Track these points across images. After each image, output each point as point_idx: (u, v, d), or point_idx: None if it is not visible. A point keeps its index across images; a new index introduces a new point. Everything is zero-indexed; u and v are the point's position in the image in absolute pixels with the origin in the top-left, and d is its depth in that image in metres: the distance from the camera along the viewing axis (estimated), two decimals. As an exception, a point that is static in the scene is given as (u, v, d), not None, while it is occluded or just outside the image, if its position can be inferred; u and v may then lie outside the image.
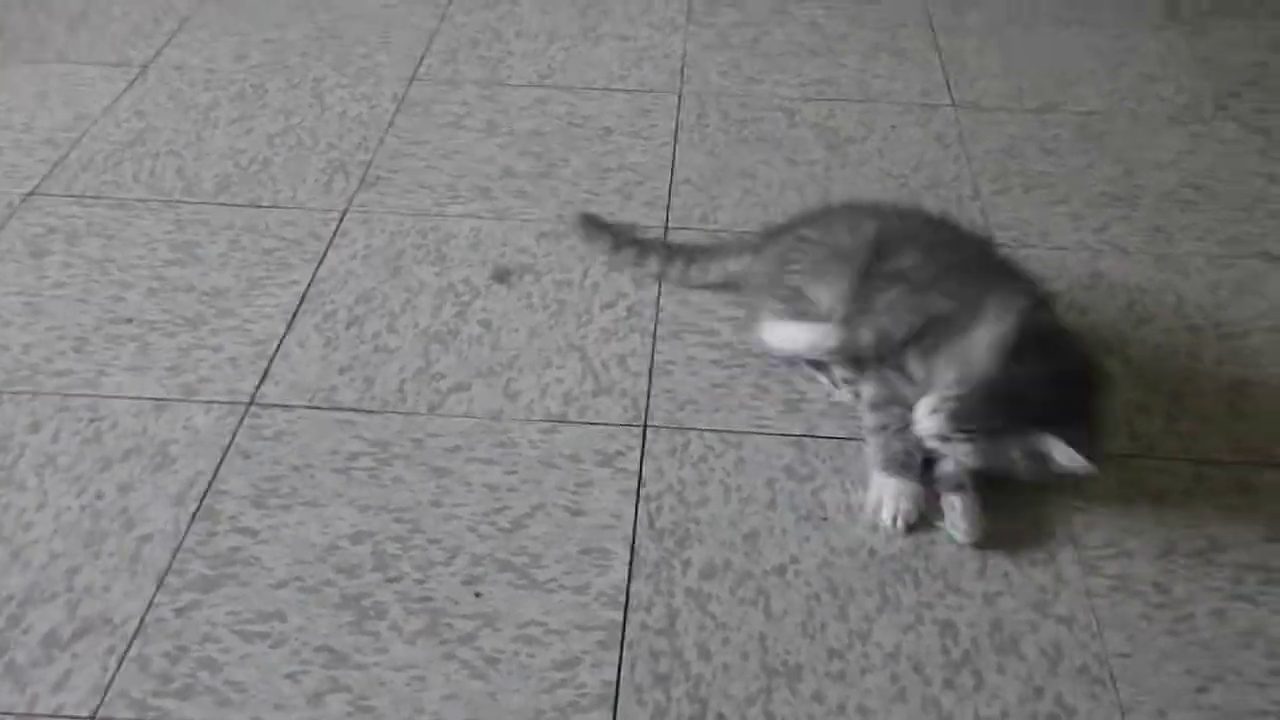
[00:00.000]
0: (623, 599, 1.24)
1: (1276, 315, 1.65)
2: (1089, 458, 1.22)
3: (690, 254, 1.66)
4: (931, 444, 1.30)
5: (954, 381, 1.27)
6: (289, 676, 1.15)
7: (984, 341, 1.28)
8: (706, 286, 1.65)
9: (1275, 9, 2.52)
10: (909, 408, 1.32)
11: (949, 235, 1.52)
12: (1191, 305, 1.67)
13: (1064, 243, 1.79)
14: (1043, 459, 1.24)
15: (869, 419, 1.39)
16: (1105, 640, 1.21)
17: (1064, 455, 1.23)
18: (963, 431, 1.26)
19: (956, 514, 1.32)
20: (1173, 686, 1.17)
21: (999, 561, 1.29)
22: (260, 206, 1.82)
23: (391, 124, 2.04)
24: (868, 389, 1.41)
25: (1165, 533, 1.33)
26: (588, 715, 1.13)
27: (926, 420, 1.27)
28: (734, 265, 1.62)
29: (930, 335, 1.35)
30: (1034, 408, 1.24)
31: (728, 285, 1.64)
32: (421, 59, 2.25)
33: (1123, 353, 1.58)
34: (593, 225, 1.73)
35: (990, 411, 1.25)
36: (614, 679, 1.16)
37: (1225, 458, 1.43)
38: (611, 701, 1.14)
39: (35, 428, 1.42)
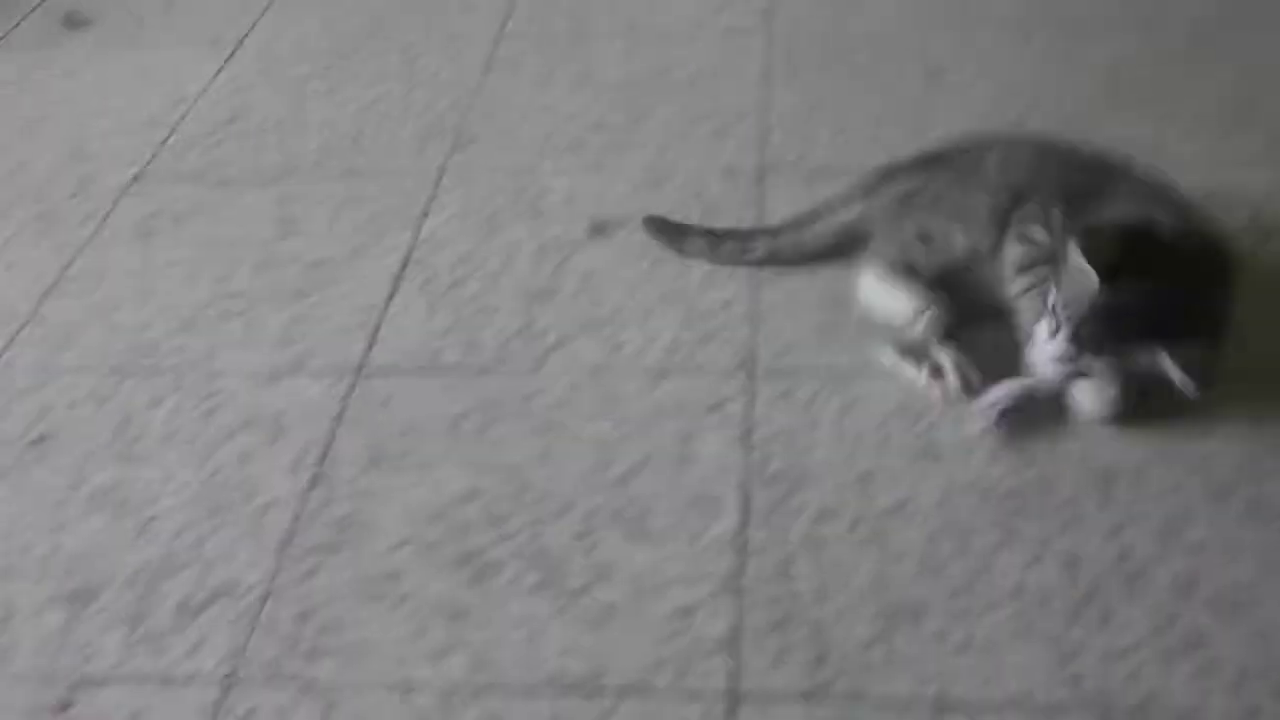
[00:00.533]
0: (738, 545, 1.23)
1: None
2: (1199, 380, 1.17)
3: (775, 230, 1.58)
4: (1053, 368, 1.26)
5: (1065, 303, 1.23)
6: (411, 635, 1.17)
7: (1081, 263, 1.23)
8: (815, 254, 1.57)
9: None
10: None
11: (1074, 156, 1.46)
12: (1318, 214, 1.59)
13: (1180, 154, 1.72)
14: (1162, 376, 1.20)
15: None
16: (1240, 567, 1.17)
17: (1176, 375, 1.19)
18: (1079, 353, 1.22)
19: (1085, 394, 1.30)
20: (1314, 612, 1.13)
21: (1123, 492, 1.25)
22: (358, 175, 1.84)
23: (481, 84, 2.04)
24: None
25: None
26: (709, 661, 1.13)
27: (1045, 345, 1.23)
28: (844, 215, 1.54)
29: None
30: (1145, 326, 1.20)
31: (839, 246, 1.55)
32: (507, 18, 2.24)
33: (1248, 269, 1.51)
34: (666, 231, 1.62)
35: (1103, 331, 1.21)
36: (733, 624, 1.15)
37: (1365, 372, 1.36)
38: (733, 646, 1.14)
39: (155, 404, 1.46)
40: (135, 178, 1.87)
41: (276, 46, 2.21)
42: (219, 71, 2.14)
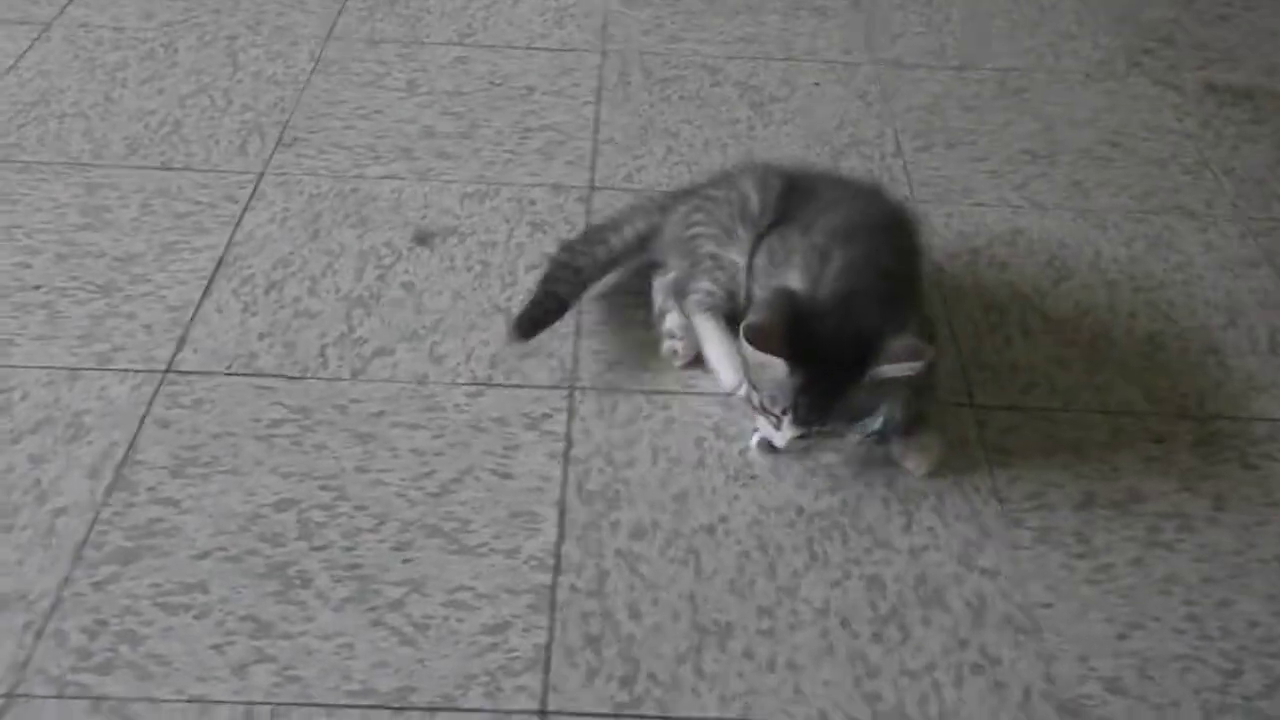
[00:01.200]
0: (553, 561, 1.24)
1: (1189, 268, 1.68)
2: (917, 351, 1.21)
3: (591, 238, 1.57)
4: (795, 448, 1.29)
5: (770, 395, 1.26)
6: (214, 648, 1.13)
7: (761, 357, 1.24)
8: (620, 258, 1.57)
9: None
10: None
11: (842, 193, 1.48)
12: (1108, 259, 1.70)
13: (985, 199, 1.81)
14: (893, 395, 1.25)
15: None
16: (1028, 591, 1.23)
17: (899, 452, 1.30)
18: (810, 430, 1.25)
19: (902, 450, 1.34)
20: (1094, 634, 1.20)
21: (925, 516, 1.31)
22: (172, 169, 1.77)
23: (308, 84, 2.00)
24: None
25: (1085, 484, 1.36)
26: (519, 678, 1.12)
27: (778, 437, 1.27)
28: (641, 225, 1.56)
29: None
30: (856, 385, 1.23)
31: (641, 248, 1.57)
32: (338, 17, 2.20)
33: (1041, 308, 1.60)
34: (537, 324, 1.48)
35: (820, 402, 1.23)
36: (545, 642, 1.16)
37: (1142, 408, 1.46)
38: (543, 664, 1.14)
39: (-59, 400, 1.38)
40: (-72, 157, 1.76)
41: (91, 29, 2.11)
42: (26, 51, 2.04)
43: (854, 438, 1.27)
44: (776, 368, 1.22)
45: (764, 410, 1.27)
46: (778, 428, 1.27)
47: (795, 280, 1.32)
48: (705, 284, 1.44)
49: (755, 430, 1.35)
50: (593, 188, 1.79)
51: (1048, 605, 1.22)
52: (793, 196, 1.44)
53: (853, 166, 1.85)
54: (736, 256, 1.43)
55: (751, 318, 1.25)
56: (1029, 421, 1.43)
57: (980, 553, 1.27)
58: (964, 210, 1.78)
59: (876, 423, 1.26)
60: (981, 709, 1.12)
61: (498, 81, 2.03)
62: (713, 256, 1.44)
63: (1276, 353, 1.55)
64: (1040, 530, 1.30)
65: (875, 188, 1.56)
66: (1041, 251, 1.71)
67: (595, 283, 1.53)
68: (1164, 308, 1.61)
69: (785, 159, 1.75)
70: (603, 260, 1.53)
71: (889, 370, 1.21)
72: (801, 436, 1.26)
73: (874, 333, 1.23)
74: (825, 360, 1.22)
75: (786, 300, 1.27)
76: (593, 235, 1.56)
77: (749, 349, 1.23)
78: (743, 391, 1.32)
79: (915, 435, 1.35)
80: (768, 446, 1.32)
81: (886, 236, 1.41)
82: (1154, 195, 1.84)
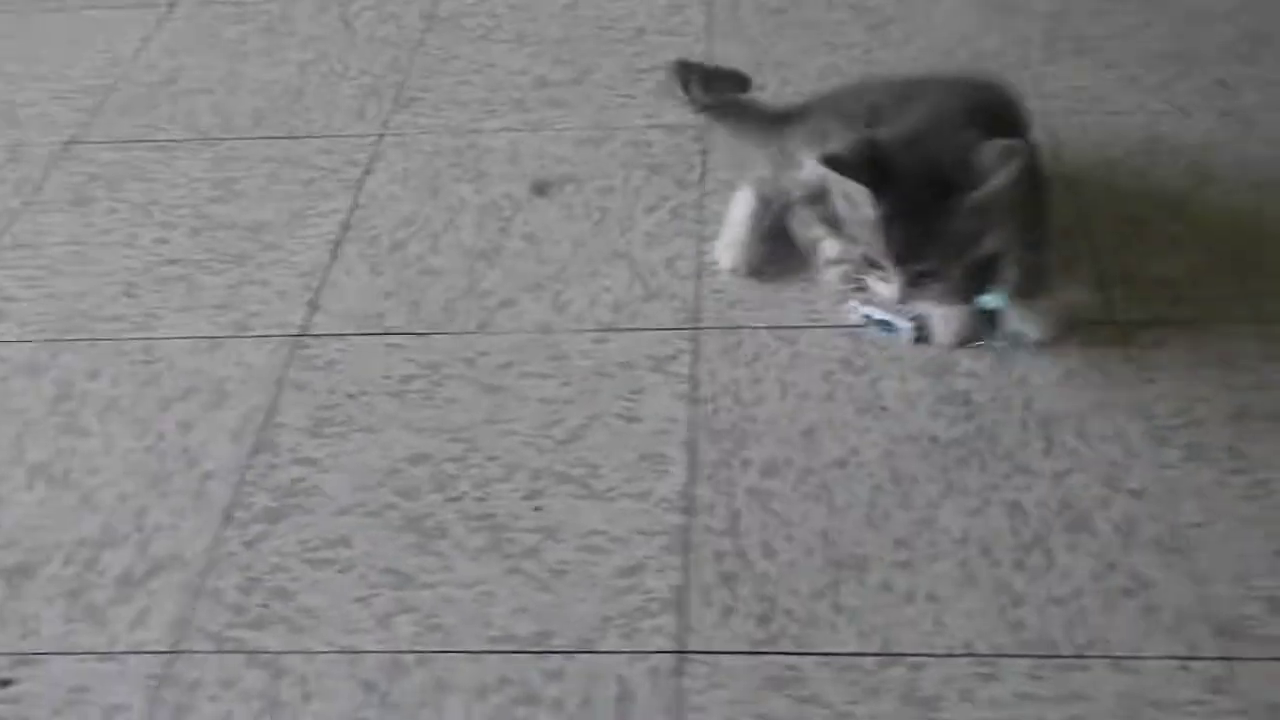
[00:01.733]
0: (684, 503, 1.23)
1: (1348, 164, 1.58)
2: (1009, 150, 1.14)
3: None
4: (912, 299, 1.23)
5: (866, 241, 1.20)
6: (359, 600, 1.17)
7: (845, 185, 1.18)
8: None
9: None
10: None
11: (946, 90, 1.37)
12: (1254, 160, 1.60)
13: (1121, 106, 1.73)
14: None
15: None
16: (1180, 510, 1.19)
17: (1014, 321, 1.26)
18: (917, 279, 1.19)
19: (1020, 316, 1.31)
20: (1253, 552, 1.14)
21: (1066, 439, 1.27)
22: (296, 137, 1.81)
23: (421, 43, 2.01)
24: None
25: (1238, 398, 1.29)
26: (656, 619, 1.13)
27: (891, 291, 1.21)
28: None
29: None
30: (952, 228, 1.16)
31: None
32: (447, -27, 2.20)
33: (1186, 216, 1.52)
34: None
35: (919, 240, 1.17)
36: (680, 583, 1.16)
37: (1298, 316, 1.38)
38: (678, 605, 1.14)
39: (94, 374, 1.44)
40: (68, 143, 1.83)
41: (211, 5, 2.16)
42: (153, 33, 2.09)
43: (973, 313, 1.26)
44: (863, 203, 1.16)
45: (869, 265, 1.20)
46: (885, 280, 1.20)
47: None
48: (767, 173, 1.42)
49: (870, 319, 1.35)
50: (708, 125, 1.76)
51: (1200, 525, 1.17)
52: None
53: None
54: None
55: (830, 148, 1.19)
56: (1175, 336, 1.37)
57: (1127, 473, 1.23)
58: (1099, 119, 1.70)
59: (998, 297, 1.23)
60: (1133, 633, 1.09)
61: (607, 25, 2.02)
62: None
63: None
64: (1190, 447, 1.25)
65: (973, 77, 1.47)
66: (1183, 156, 1.62)
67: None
68: (1320, 208, 1.52)
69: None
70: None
71: (985, 187, 1.14)
72: (912, 284, 1.18)
73: (962, 149, 1.16)
74: (914, 186, 1.15)
75: (866, 138, 1.20)
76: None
77: (833, 177, 1.17)
78: (840, 268, 1.26)
79: (1032, 299, 1.31)
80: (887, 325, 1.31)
81: (975, 94, 1.34)
82: (1305, 88, 1.73)
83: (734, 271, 1.47)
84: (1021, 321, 1.33)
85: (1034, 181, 1.27)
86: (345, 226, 1.63)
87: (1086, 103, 1.74)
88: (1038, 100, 1.73)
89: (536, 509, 1.24)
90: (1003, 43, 1.87)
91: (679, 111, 1.79)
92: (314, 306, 1.50)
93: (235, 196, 1.70)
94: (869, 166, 1.16)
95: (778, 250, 1.49)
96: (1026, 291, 1.29)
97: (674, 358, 1.40)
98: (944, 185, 1.15)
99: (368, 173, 1.73)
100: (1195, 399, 1.30)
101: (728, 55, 1.90)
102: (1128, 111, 1.71)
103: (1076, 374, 1.33)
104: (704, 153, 1.70)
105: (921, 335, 1.36)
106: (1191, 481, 1.21)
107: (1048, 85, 1.78)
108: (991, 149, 1.15)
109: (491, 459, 1.30)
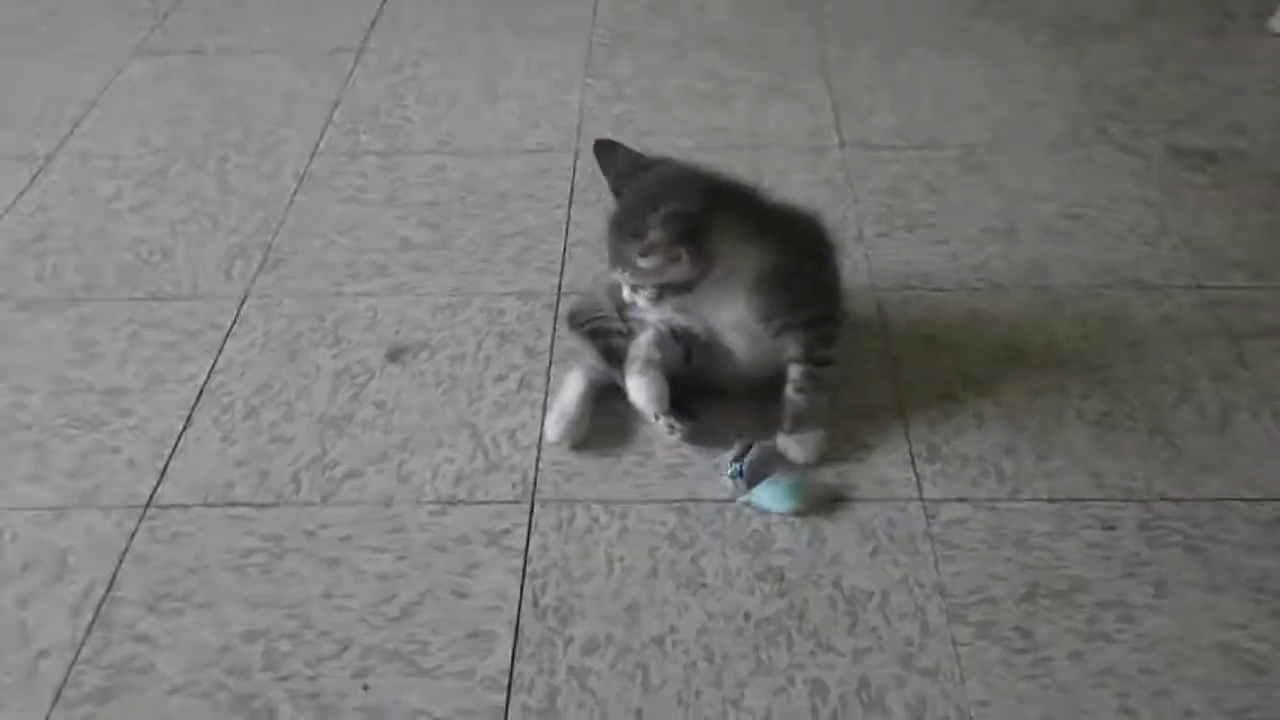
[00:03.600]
0: (506, 681, 1.29)
1: (1143, 344, 1.72)
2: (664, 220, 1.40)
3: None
4: (645, 307, 1.48)
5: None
6: (181, 784, 1.20)
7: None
8: None
9: (1160, 23, 2.59)
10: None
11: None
12: (1062, 339, 1.73)
13: (944, 283, 1.85)
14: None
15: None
16: (967, 689, 1.27)
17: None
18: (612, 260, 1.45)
19: (785, 443, 1.53)
20: (1029, 731, 1.23)
21: (869, 616, 1.35)
22: (161, 299, 1.86)
23: (292, 202, 2.08)
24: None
25: (1029, 575, 1.39)
26: (469, 802, 1.18)
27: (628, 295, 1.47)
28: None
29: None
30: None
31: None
32: (323, 131, 2.29)
33: (994, 394, 1.64)
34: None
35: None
36: (495, 763, 1.21)
37: (1089, 494, 1.49)
38: (492, 787, 1.19)
39: (-63, 545, 1.46)
40: (-68, 300, 1.87)
41: (89, 159, 2.22)
42: (27, 187, 2.14)
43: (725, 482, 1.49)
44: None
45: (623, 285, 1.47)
46: (631, 291, 1.47)
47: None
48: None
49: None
50: (560, 293, 1.85)
51: (985, 703, 1.26)
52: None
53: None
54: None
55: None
56: (976, 513, 1.47)
57: (922, 652, 1.31)
58: (922, 295, 1.82)
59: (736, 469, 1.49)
60: (914, 815, 1.16)
61: (473, 188, 2.11)
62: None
63: (1225, 430, 1.57)
64: (981, 625, 1.34)
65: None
66: (997, 333, 1.75)
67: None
68: (1116, 387, 1.65)
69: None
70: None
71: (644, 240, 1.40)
72: (634, 289, 1.45)
73: (652, 202, 1.40)
74: (619, 211, 1.46)
75: (625, 158, 1.52)
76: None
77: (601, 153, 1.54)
78: (650, 332, 1.56)
79: (800, 429, 1.53)
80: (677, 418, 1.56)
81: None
82: (1111, 269, 1.87)
83: (560, 444, 1.55)
84: (785, 449, 1.53)
85: (817, 270, 1.56)
86: (201, 392, 1.68)
87: (914, 278, 1.86)
88: (869, 276, 1.85)
89: (365, 688, 1.29)
90: (841, 216, 2.00)
91: (534, 278, 1.88)
92: (163, 476, 1.54)
93: (94, 359, 1.74)
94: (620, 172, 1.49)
95: (610, 425, 1.58)
96: (795, 424, 1.54)
97: (509, 531, 1.46)
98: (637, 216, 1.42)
99: (229, 336, 1.78)
100: (990, 576, 1.39)
101: (584, 223, 2.00)
102: (949, 288, 1.84)
103: (883, 551, 1.42)
104: (555, 320, 1.79)
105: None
106: (980, 660, 1.30)
107: (879, 260, 1.90)
108: (658, 215, 1.39)
109: (324, 635, 1.34)
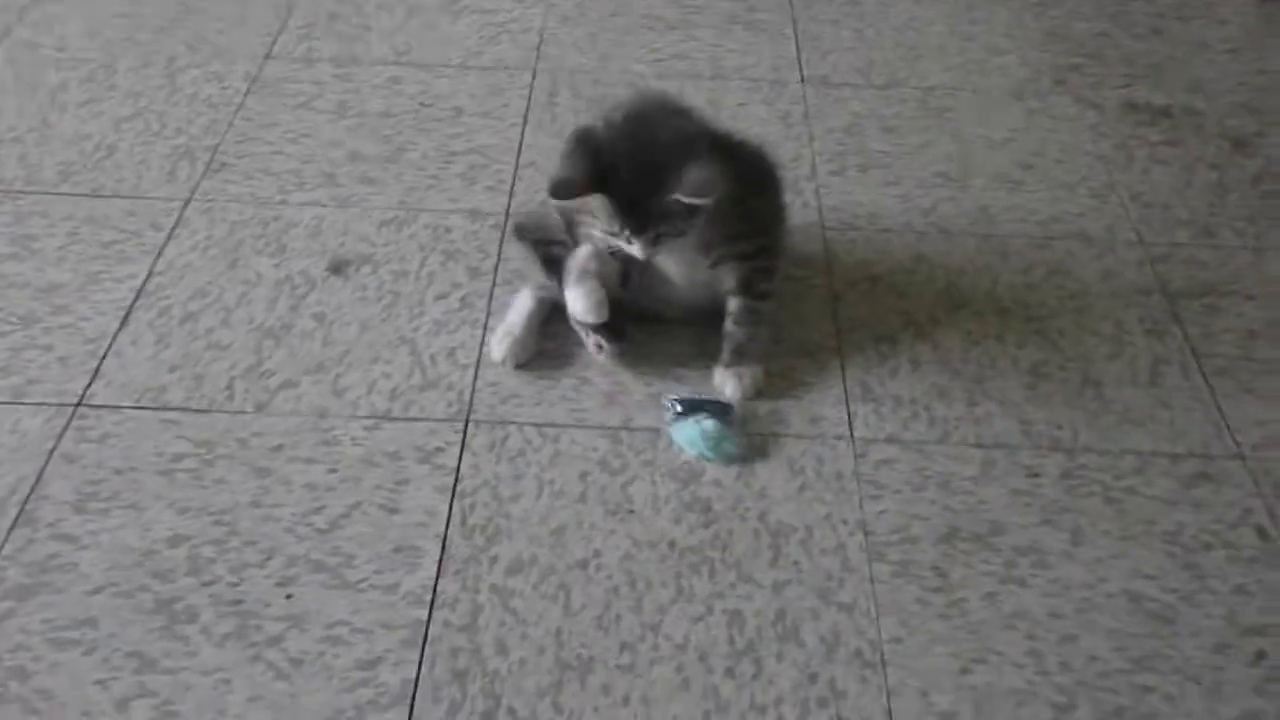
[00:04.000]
0: (429, 597, 1.30)
1: (1083, 297, 1.73)
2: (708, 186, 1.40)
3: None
4: (637, 253, 1.46)
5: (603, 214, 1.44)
6: (98, 683, 1.20)
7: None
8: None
9: (1126, -24, 2.58)
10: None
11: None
12: (1004, 287, 1.75)
13: (892, 224, 1.86)
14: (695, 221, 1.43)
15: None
16: (881, 625, 1.30)
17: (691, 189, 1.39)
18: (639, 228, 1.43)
19: (721, 378, 1.54)
20: (938, 668, 1.26)
21: (792, 550, 1.37)
22: (102, 196, 1.83)
23: (242, 106, 2.05)
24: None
25: (950, 518, 1.41)
26: (384, 714, 1.19)
27: (639, 250, 1.45)
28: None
29: None
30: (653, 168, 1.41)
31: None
32: (278, 35, 2.25)
33: (933, 338, 1.65)
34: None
35: (642, 200, 1.41)
36: (413, 677, 1.22)
37: (1016, 442, 1.51)
38: (409, 699, 1.20)
39: None
40: None
41: (35, 49, 2.17)
42: (-31, 72, 2.09)
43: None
44: (598, 202, 1.41)
45: (614, 236, 1.44)
46: (629, 244, 1.44)
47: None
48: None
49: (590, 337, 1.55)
50: (508, 214, 1.84)
51: (898, 640, 1.28)
52: None
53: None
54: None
55: (553, 175, 1.45)
56: (904, 454, 1.49)
57: (840, 587, 1.33)
58: (869, 236, 1.83)
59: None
60: (820, 744, 1.19)
61: (428, 103, 2.08)
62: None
63: (1155, 383, 1.60)
64: (900, 564, 1.36)
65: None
66: (941, 278, 1.76)
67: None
68: (1053, 337, 1.66)
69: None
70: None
71: (685, 198, 1.39)
72: (653, 243, 1.44)
73: (670, 159, 1.40)
74: (632, 182, 1.40)
75: (582, 142, 1.45)
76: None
77: (563, 204, 1.45)
78: (590, 247, 1.52)
79: (737, 363, 1.55)
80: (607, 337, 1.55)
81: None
82: (1058, 221, 1.88)
83: (504, 363, 1.55)
84: (721, 384, 1.54)
85: (760, 204, 1.57)
86: (139, 294, 1.66)
87: (863, 219, 1.87)
88: (819, 213, 1.86)
89: (288, 597, 1.29)
90: (796, 153, 1.99)
91: (483, 197, 1.87)
92: (95, 376, 1.53)
93: (31, 255, 1.72)
94: (591, 178, 1.41)
95: (549, 349, 1.58)
96: (732, 358, 1.55)
97: (442, 450, 1.47)
98: (658, 185, 1.40)
99: (170, 238, 1.76)
100: (913, 517, 1.41)
101: (537, 144, 1.99)
102: (897, 230, 1.85)
103: (809, 488, 1.44)
104: (501, 240, 1.78)
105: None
106: (896, 598, 1.33)
107: (830, 199, 1.90)
108: (697, 179, 1.39)
109: (250, 544, 1.35)
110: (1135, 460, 1.49)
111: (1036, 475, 1.47)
